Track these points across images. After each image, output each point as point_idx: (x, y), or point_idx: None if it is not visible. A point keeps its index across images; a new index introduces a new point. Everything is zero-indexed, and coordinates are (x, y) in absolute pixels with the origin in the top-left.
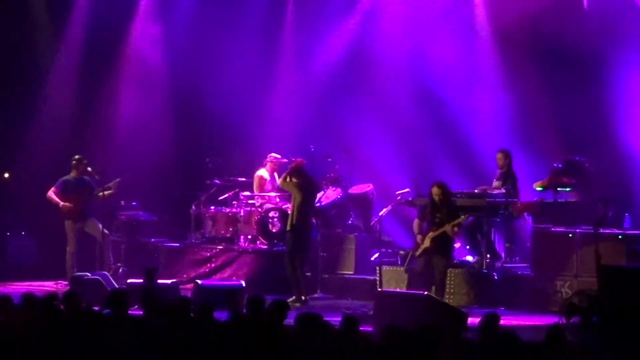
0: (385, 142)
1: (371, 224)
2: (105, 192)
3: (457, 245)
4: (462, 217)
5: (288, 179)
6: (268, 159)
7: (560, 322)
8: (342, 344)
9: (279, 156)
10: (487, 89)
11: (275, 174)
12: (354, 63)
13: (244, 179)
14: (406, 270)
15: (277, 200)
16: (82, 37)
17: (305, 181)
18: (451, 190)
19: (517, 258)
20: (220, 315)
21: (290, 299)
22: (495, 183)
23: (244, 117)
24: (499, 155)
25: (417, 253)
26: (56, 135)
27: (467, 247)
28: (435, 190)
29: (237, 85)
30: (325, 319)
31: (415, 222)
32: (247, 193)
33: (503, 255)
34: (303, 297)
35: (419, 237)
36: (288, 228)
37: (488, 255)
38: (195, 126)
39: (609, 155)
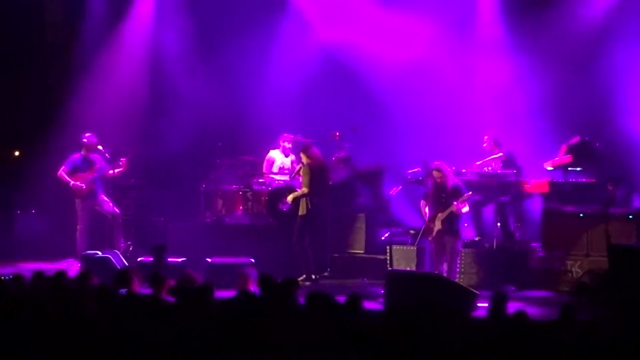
0: (395, 121)
1: (381, 203)
2: (115, 170)
3: (465, 225)
4: (466, 194)
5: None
6: (282, 139)
7: (571, 301)
8: (346, 322)
9: (291, 136)
10: (495, 70)
11: (292, 156)
12: (365, 43)
13: (254, 158)
14: (416, 250)
15: (287, 179)
16: (98, 18)
17: (315, 162)
18: (451, 170)
19: (527, 238)
20: (230, 293)
21: (300, 278)
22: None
23: (255, 98)
24: (486, 138)
25: (432, 236)
26: (67, 113)
27: (466, 224)
28: (435, 174)
29: (248, 65)
30: (334, 298)
31: (422, 203)
32: (257, 172)
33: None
34: (313, 276)
35: (431, 224)
36: (300, 213)
37: (499, 235)
38: (207, 106)
39: (618, 135)
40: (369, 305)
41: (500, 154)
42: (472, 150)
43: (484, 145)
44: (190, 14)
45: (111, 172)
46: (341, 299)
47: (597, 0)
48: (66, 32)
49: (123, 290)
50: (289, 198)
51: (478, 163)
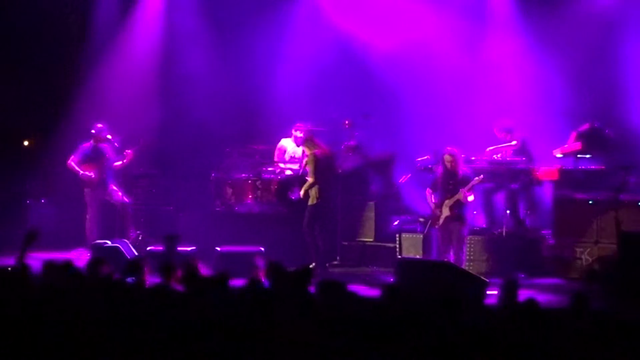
0: (406, 108)
1: (391, 191)
2: (120, 162)
3: (474, 212)
4: (476, 178)
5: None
6: (294, 128)
7: (581, 288)
8: (358, 310)
9: (303, 125)
10: (506, 56)
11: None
12: (376, 30)
13: (264, 147)
14: (422, 238)
15: (297, 169)
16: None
17: (319, 151)
18: (462, 157)
19: (538, 225)
20: (240, 282)
21: (310, 266)
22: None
23: (266, 87)
24: (495, 128)
25: (439, 223)
26: (77, 102)
27: (476, 212)
28: (447, 158)
29: (259, 53)
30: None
31: (428, 191)
32: (267, 160)
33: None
34: (323, 264)
35: (437, 210)
36: (309, 202)
37: (510, 222)
38: (218, 95)
39: (629, 122)
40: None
41: (515, 142)
42: (483, 137)
43: (495, 132)
44: (203, 2)
45: (117, 163)
46: (351, 287)
47: None
48: (78, 22)
49: (130, 279)
50: (302, 193)
51: (490, 149)
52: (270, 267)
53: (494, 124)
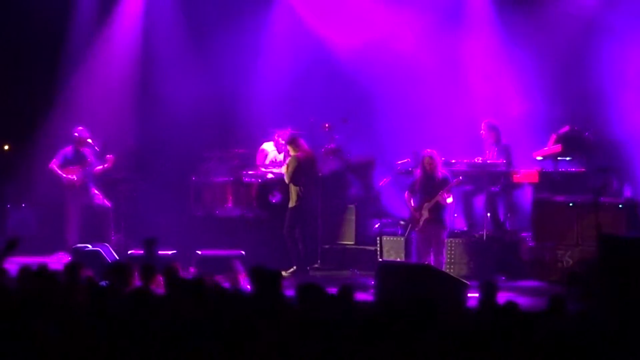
0: (386, 111)
1: (372, 194)
2: (102, 166)
3: (455, 215)
4: (455, 180)
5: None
6: (277, 134)
7: (561, 291)
8: (338, 313)
9: (287, 133)
10: (486, 59)
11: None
12: (354, 34)
13: (244, 151)
14: (404, 241)
15: (278, 172)
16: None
17: (302, 154)
18: (441, 159)
19: (518, 228)
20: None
21: (291, 269)
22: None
23: (244, 90)
24: (483, 127)
25: (419, 226)
26: (57, 106)
27: (456, 215)
28: (426, 160)
29: (237, 57)
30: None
31: (407, 194)
32: (246, 164)
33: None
34: (304, 268)
35: (416, 213)
36: (290, 205)
37: (489, 225)
38: (197, 99)
39: (608, 123)
40: (360, 296)
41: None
42: (462, 139)
43: (482, 132)
44: (180, 7)
45: (99, 167)
46: (332, 290)
47: None
48: (56, 25)
49: (103, 283)
50: (283, 169)
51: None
52: (252, 271)
53: (482, 122)
